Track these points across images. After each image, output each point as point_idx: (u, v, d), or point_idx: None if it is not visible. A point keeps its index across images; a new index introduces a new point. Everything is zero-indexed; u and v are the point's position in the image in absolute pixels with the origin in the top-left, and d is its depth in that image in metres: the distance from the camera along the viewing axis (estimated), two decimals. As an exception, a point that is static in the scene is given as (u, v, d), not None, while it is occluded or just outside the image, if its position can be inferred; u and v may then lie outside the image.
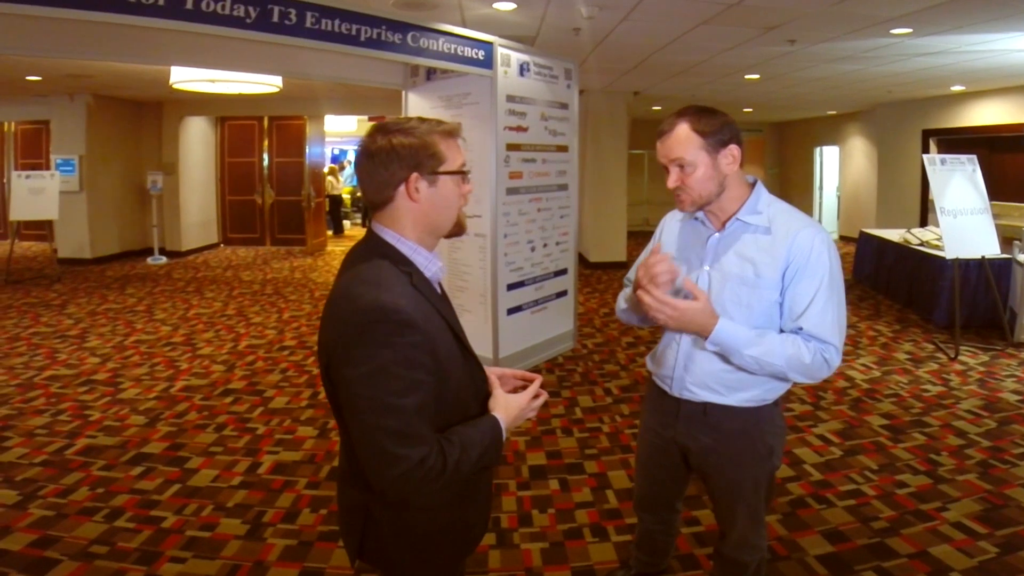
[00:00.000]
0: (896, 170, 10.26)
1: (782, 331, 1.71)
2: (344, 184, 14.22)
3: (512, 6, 4.26)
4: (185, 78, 6.08)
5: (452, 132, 1.39)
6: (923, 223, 9.01)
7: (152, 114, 10.70)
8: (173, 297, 7.59)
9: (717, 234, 1.79)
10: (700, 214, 1.81)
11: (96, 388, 4.56)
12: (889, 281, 7.14)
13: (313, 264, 10.05)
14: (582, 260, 9.19)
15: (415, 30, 3.88)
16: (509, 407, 1.45)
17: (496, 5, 4.25)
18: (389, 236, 1.37)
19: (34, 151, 11.43)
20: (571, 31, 4.84)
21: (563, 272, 5.36)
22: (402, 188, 1.34)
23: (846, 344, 5.35)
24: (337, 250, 11.49)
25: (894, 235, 7.31)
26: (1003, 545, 2.66)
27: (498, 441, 1.40)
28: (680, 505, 2.22)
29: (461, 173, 1.40)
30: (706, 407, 1.84)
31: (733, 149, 1.71)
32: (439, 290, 1.49)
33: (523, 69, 4.60)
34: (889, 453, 3.54)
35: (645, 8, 4.23)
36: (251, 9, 3.28)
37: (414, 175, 1.33)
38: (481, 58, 4.28)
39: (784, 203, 1.81)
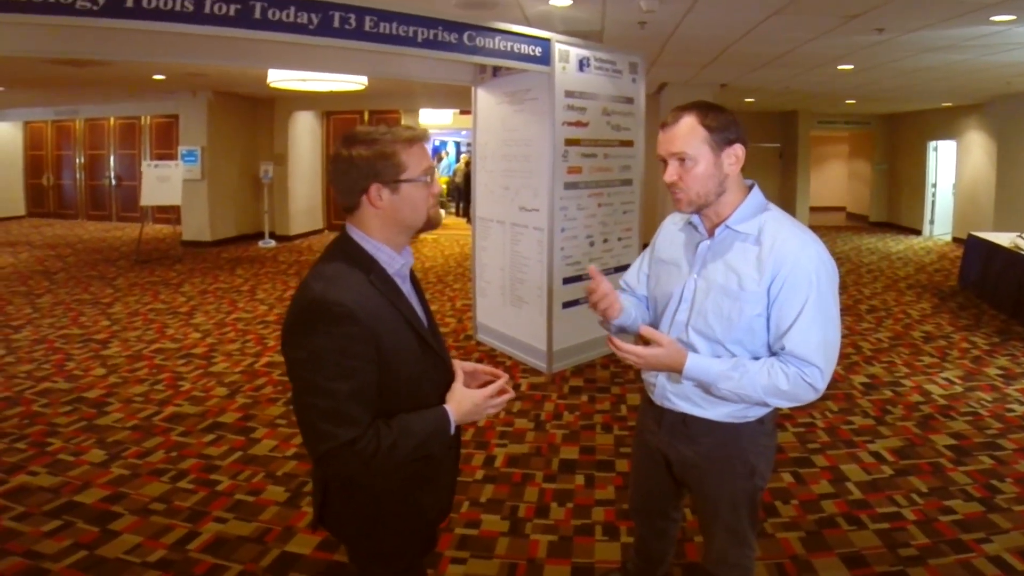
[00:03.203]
0: (1016, 168, 9.31)
1: (770, 347, 1.65)
2: (441, 174, 14.68)
3: (568, 2, 4.28)
4: (280, 78, 6.55)
5: (415, 139, 1.48)
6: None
7: (265, 109, 11.57)
8: (275, 278, 8.20)
9: (708, 241, 1.72)
10: (695, 218, 1.75)
11: (192, 361, 5.05)
12: (996, 289, 6.53)
13: (404, 252, 10.48)
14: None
15: (470, 29, 4.00)
16: (463, 401, 1.52)
17: (552, 1, 4.28)
18: (356, 235, 1.49)
19: (165, 142, 12.67)
20: (636, 25, 4.78)
21: (625, 268, 5.31)
22: (366, 195, 1.44)
23: (931, 355, 5.10)
24: (430, 239, 11.88)
25: (1004, 240, 6.66)
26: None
27: (442, 431, 1.48)
28: (676, 514, 2.16)
29: (423, 179, 1.48)
30: (685, 418, 1.79)
31: (737, 149, 1.65)
32: (410, 284, 1.59)
33: (583, 64, 4.61)
34: (945, 476, 3.30)
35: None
36: (313, 16, 3.53)
37: (375, 185, 1.43)
38: (538, 54, 4.34)
39: (780, 212, 1.71)
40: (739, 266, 1.64)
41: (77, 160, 14.23)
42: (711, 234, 1.72)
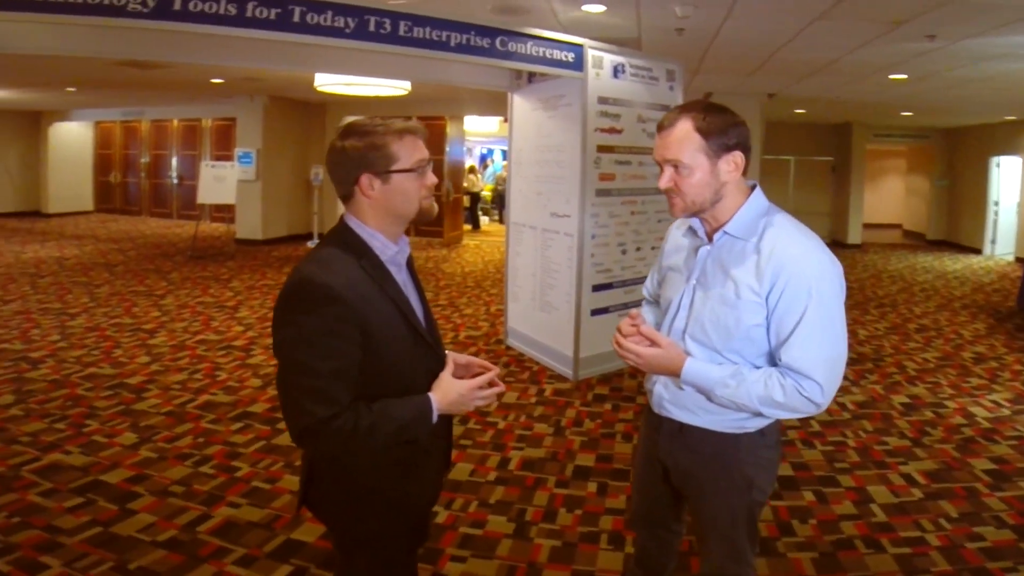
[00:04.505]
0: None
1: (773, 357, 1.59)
2: (485, 181, 14.80)
3: (601, 8, 4.28)
4: (326, 82, 6.74)
5: (406, 131, 1.52)
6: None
7: (317, 114, 11.91)
8: (318, 277, 8.42)
9: (707, 246, 1.66)
10: (696, 223, 1.70)
11: (232, 352, 5.23)
12: (1057, 312, 6.16)
13: (447, 255, 10.62)
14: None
15: (503, 34, 4.04)
16: (448, 391, 1.54)
17: (585, 7, 4.30)
18: (352, 223, 1.54)
19: (224, 144, 13.16)
20: (673, 32, 4.74)
21: (658, 277, 5.25)
22: (357, 186, 1.49)
23: (980, 377, 4.86)
24: (472, 244, 12.01)
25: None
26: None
27: (424, 418, 1.50)
28: (678, 526, 2.09)
29: (413, 170, 1.51)
30: (682, 427, 1.75)
31: (737, 156, 1.56)
32: (405, 272, 1.63)
33: (617, 71, 4.59)
34: (979, 501, 3.14)
35: (746, 5, 4.06)
36: (350, 20, 3.63)
37: (366, 175, 1.48)
38: (571, 60, 4.35)
39: (784, 216, 1.62)
40: (737, 274, 1.58)
41: (142, 159, 14.93)
42: (710, 240, 1.66)
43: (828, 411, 4.27)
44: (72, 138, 14.93)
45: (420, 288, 1.71)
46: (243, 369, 4.82)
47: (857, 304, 7.70)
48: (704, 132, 1.54)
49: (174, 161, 14.48)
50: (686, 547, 2.21)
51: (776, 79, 6.89)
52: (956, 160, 13.17)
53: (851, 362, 5.38)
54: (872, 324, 6.73)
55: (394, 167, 1.48)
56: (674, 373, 1.63)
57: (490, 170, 15.57)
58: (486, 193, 14.94)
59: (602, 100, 4.55)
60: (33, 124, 14.24)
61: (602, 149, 4.62)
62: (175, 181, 14.47)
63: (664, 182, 1.60)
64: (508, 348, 5.52)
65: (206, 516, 2.87)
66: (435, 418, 1.52)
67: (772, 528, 2.88)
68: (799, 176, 12.95)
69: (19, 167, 14.16)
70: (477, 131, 13.98)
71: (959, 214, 12.96)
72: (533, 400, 4.39)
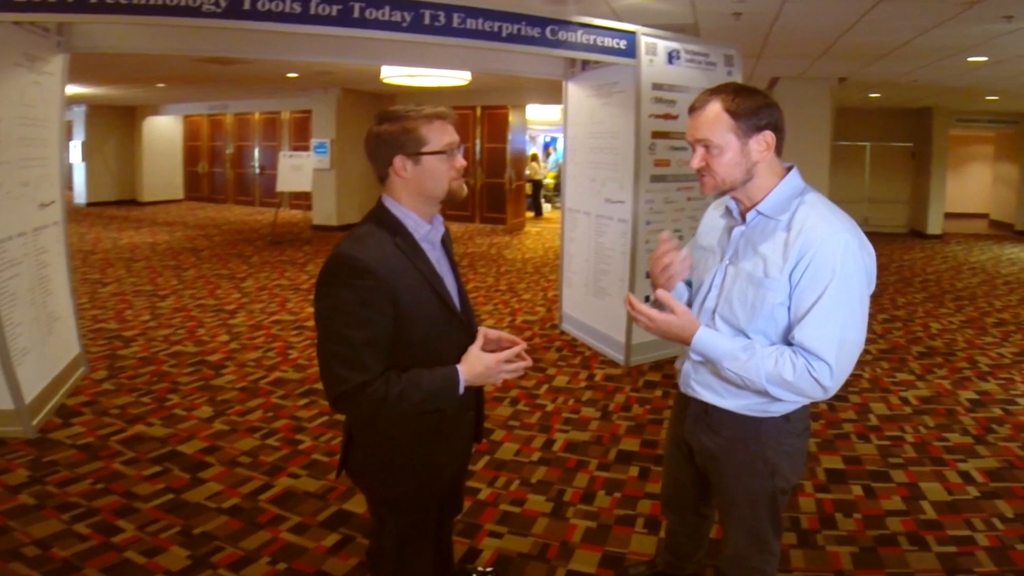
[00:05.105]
0: None
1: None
2: (549, 169, 14.84)
3: (653, -6, 4.26)
4: (391, 74, 6.97)
5: (435, 116, 1.63)
6: None
7: (387, 104, 12.17)
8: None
9: (741, 226, 1.69)
10: (732, 204, 1.73)
11: (304, 332, 5.52)
12: None
13: (508, 242, 10.75)
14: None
15: (553, 24, 4.10)
16: (475, 364, 1.64)
17: (637, -6, 4.29)
18: (388, 203, 1.67)
19: (302, 135, 13.74)
20: (731, 17, 4.65)
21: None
22: (391, 167, 1.62)
23: None
24: (534, 231, 12.09)
25: None
26: None
27: (450, 388, 1.61)
28: (708, 511, 2.12)
29: (443, 152, 1.62)
30: (708, 408, 1.78)
31: (767, 135, 1.59)
32: (439, 249, 1.74)
33: (672, 57, 4.56)
34: (1040, 502, 3.00)
35: (804, -12, 3.96)
36: (406, 14, 3.78)
37: (399, 157, 1.60)
38: (623, 47, 4.35)
39: (818, 196, 1.63)
40: (766, 252, 1.61)
41: (227, 150, 15.78)
42: (744, 219, 1.69)
43: (889, 406, 4.15)
44: (164, 131, 15.93)
45: (455, 265, 1.82)
46: (313, 348, 5.06)
47: (932, 297, 7.34)
48: (734, 113, 1.58)
49: (256, 152, 15.25)
50: (718, 534, 2.23)
51: (845, 63, 6.61)
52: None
53: (919, 356, 5.18)
54: (946, 317, 6.41)
55: (424, 149, 1.59)
56: (685, 341, 1.66)
57: (553, 158, 15.60)
58: (549, 181, 14.97)
59: (656, 86, 4.54)
60: (129, 118, 15.27)
61: (657, 135, 4.61)
62: (257, 170, 15.24)
63: (696, 162, 1.64)
64: (562, 333, 5.60)
65: (268, 485, 3.08)
66: (461, 389, 1.62)
67: (814, 520, 2.85)
68: (875, 163, 12.37)
69: (116, 159, 15.21)
70: (540, 119, 14.02)
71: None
72: (583, 384, 4.46)
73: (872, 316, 6.55)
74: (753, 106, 1.58)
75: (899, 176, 12.51)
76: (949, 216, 12.69)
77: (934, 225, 11.92)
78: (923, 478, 3.25)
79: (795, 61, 6.63)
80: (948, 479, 3.24)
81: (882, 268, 9.04)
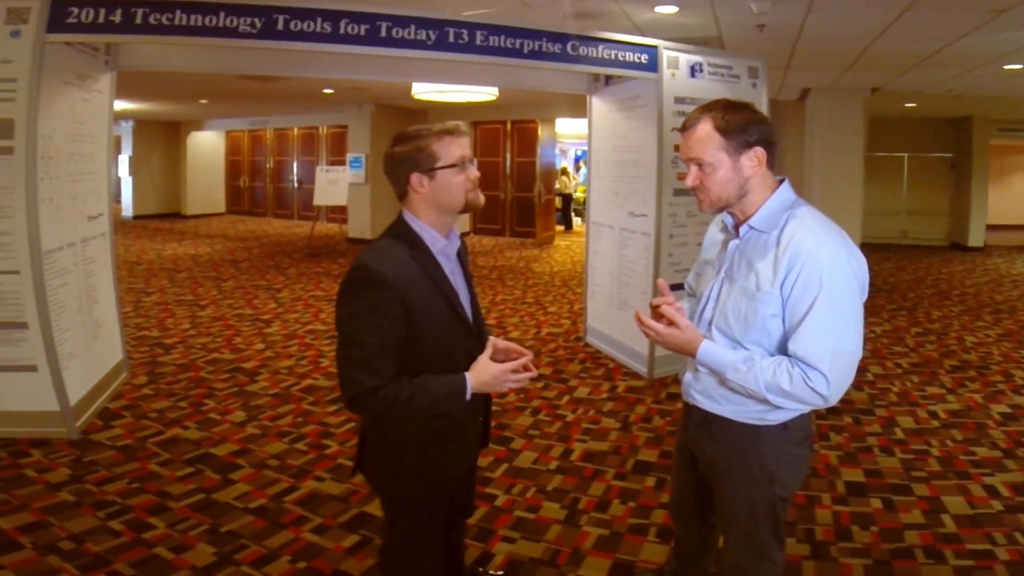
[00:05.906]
0: None
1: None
2: (580, 183, 14.89)
3: (674, 8, 4.31)
4: (421, 90, 7.14)
5: (444, 132, 1.72)
6: None
7: (420, 120, 12.47)
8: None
9: (736, 240, 1.73)
10: (728, 218, 1.76)
11: (336, 341, 5.65)
12: None
13: (537, 255, 10.82)
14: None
15: (574, 39, 4.18)
16: (483, 372, 1.72)
17: (658, 9, 4.34)
18: (408, 217, 1.76)
19: (338, 150, 14.09)
20: (755, 29, 4.67)
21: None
22: (409, 184, 1.71)
23: None
24: (563, 244, 12.14)
25: None
26: None
27: (458, 395, 1.68)
28: (714, 520, 2.08)
29: (455, 165, 1.70)
30: (708, 416, 1.81)
31: (758, 151, 1.62)
32: (454, 262, 1.83)
33: (695, 70, 4.60)
34: (1067, 517, 2.93)
35: None
36: (431, 33, 3.91)
37: (415, 174, 1.70)
38: (645, 61, 4.41)
39: (808, 209, 1.66)
40: (759, 266, 1.64)
41: (267, 165, 16.24)
42: (738, 234, 1.73)
43: (916, 419, 4.08)
44: (207, 146, 16.48)
45: (469, 278, 1.91)
46: (342, 357, 5.21)
47: (969, 310, 7.17)
48: (724, 131, 1.61)
49: (295, 166, 15.67)
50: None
51: (876, 73, 6.54)
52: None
53: (952, 369, 5.07)
54: (983, 331, 6.25)
55: (438, 164, 1.68)
56: (690, 353, 1.71)
57: (583, 171, 15.63)
58: (579, 194, 15.03)
59: (679, 100, 4.57)
60: (173, 133, 15.84)
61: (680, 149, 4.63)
62: (295, 185, 15.65)
63: (690, 180, 1.68)
64: (586, 345, 5.63)
65: (294, 488, 3.18)
66: (468, 395, 1.69)
67: (829, 532, 2.83)
68: (913, 174, 12.10)
69: (162, 172, 15.77)
70: (570, 133, 14.10)
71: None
72: (604, 396, 4.49)
73: (905, 330, 6.47)
74: (742, 123, 1.61)
75: (938, 188, 12.21)
76: (991, 228, 12.33)
77: (975, 237, 11.59)
78: (946, 492, 3.20)
79: (825, 72, 6.59)
80: (972, 493, 3.19)
81: (918, 282, 8.88)
